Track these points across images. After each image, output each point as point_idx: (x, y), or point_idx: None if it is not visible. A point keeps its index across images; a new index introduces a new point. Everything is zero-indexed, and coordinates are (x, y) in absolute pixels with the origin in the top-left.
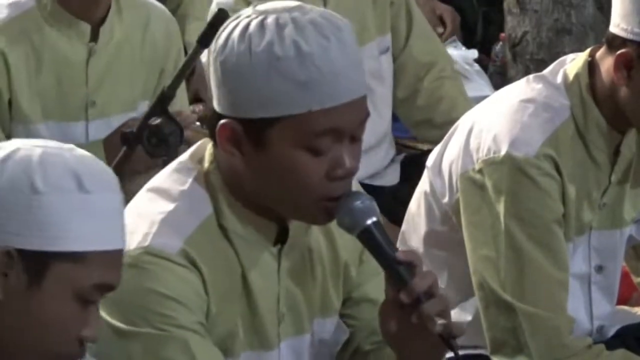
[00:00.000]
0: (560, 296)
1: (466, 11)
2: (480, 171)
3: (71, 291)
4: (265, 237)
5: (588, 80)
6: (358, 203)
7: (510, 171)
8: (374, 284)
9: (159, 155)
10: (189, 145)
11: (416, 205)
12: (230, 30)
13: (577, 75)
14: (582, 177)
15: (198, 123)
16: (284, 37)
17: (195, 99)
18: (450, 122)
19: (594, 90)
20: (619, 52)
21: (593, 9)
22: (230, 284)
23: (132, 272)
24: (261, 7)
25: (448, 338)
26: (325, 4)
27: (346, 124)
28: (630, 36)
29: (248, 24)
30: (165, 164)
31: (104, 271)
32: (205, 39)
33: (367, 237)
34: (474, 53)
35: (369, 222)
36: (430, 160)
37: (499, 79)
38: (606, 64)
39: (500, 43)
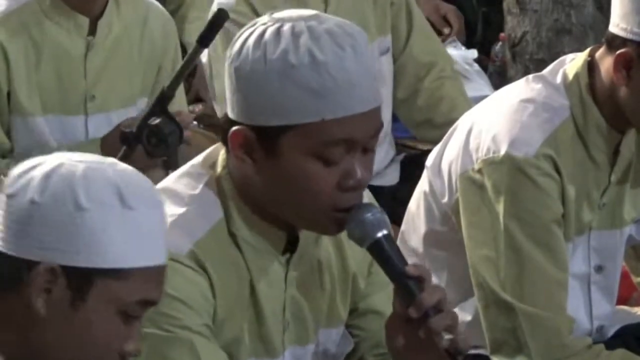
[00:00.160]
0: (559, 296)
1: (466, 11)
2: (479, 171)
3: (114, 307)
4: (275, 246)
5: (588, 80)
6: (369, 215)
7: (509, 171)
8: (382, 296)
9: (158, 155)
10: (189, 145)
11: (416, 205)
12: (245, 37)
13: (576, 75)
14: (581, 177)
15: (195, 122)
16: (299, 45)
17: (196, 99)
18: (451, 122)
19: (594, 90)
20: (618, 51)
21: (593, 9)
22: (238, 290)
23: None
24: (277, 14)
25: (455, 354)
26: (326, 5)
27: (359, 134)
28: (629, 36)
29: (264, 32)
30: (164, 163)
31: (146, 287)
32: (205, 39)
33: (377, 250)
34: (473, 53)
35: (379, 234)
36: (429, 160)
37: (499, 79)
38: (606, 63)
39: (500, 43)
